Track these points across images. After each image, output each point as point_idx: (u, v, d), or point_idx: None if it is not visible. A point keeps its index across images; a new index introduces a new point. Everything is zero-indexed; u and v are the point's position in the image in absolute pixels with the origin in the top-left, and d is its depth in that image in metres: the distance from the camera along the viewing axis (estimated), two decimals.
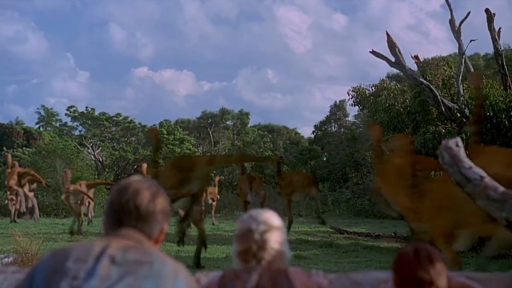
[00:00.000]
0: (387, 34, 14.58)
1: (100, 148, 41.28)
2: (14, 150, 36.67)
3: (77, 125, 45.89)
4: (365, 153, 29.82)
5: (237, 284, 2.60)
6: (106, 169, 38.62)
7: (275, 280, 2.57)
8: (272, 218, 2.72)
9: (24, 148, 37.63)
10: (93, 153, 40.37)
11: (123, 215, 2.11)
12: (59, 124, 47.22)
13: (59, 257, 2.00)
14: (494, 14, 14.81)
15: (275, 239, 2.66)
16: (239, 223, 2.74)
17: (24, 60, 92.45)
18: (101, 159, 40.34)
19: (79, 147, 38.57)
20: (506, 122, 13.85)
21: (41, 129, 45.65)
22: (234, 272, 2.68)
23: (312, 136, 47.13)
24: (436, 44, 77.45)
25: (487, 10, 14.63)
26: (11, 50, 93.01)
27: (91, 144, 41.46)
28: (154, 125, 40.60)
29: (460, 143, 4.35)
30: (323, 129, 46.02)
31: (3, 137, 40.44)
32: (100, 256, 1.95)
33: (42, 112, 47.51)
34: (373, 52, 15.11)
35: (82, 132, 45.42)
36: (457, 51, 16.31)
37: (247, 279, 2.58)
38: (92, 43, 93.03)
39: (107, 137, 44.26)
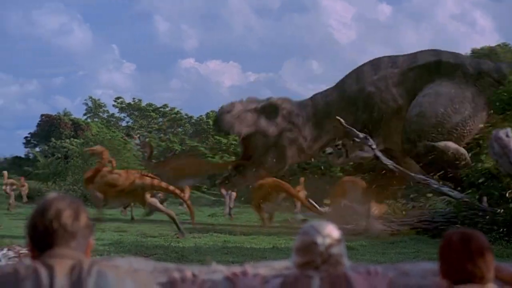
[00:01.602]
0: None
1: (147, 139, 40.77)
2: (62, 141, 36.49)
3: (124, 116, 45.67)
4: None
5: None
6: (154, 160, 37.99)
7: (335, 285, 2.53)
8: (335, 231, 2.67)
9: (72, 139, 37.39)
10: (139, 144, 39.82)
11: (50, 236, 2.04)
12: (107, 115, 47.10)
13: None
14: None
15: (340, 253, 2.62)
16: (301, 235, 2.66)
17: (70, 52, 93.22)
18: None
19: (126, 138, 38.14)
20: None
21: (88, 120, 45.47)
22: (294, 277, 2.59)
23: None
24: (483, 34, 75.41)
25: None
26: (57, 43, 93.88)
27: (138, 135, 40.98)
28: (201, 116, 39.86)
29: (511, 134, 3.66)
30: None
31: (51, 128, 40.30)
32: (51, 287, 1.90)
33: (90, 103, 47.43)
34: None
35: (129, 123, 45.16)
36: (505, 40, 15.44)
37: (308, 284, 2.53)
38: (136, 35, 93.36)
39: (154, 128, 43.85)
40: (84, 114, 47.11)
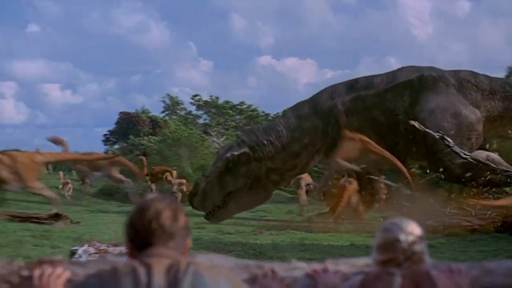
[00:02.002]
0: None
1: (225, 136, 40.63)
2: (140, 138, 36.74)
3: (201, 114, 45.73)
4: None
5: (379, 287, 2.49)
6: None
7: (418, 283, 2.48)
8: (417, 228, 2.64)
9: (150, 136, 37.59)
10: (217, 141, 39.65)
11: (149, 235, 2.11)
12: (184, 113, 47.29)
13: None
14: None
15: (422, 250, 2.59)
16: (383, 231, 2.63)
17: (148, 50, 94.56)
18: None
19: (203, 135, 38.09)
20: None
21: (166, 117, 45.73)
22: (376, 274, 2.56)
23: None
24: None
25: None
26: (135, 40, 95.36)
27: (215, 132, 40.89)
28: (278, 113, 39.40)
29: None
30: None
31: (129, 126, 40.67)
32: (149, 286, 1.96)
33: (167, 101, 47.71)
34: None
35: (207, 121, 45.25)
36: None
37: (390, 282, 2.49)
38: (213, 32, 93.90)
39: (231, 126, 43.76)
40: (162, 112, 47.57)
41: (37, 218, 13.26)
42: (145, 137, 37.31)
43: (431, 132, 14.69)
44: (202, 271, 2.03)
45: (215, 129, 42.38)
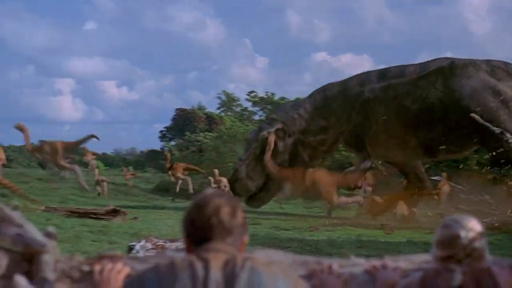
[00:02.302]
0: None
1: None
2: (196, 134, 36.93)
3: (257, 110, 45.69)
4: None
5: (439, 283, 2.49)
6: None
7: (479, 280, 2.45)
8: (477, 224, 2.63)
9: (206, 132, 37.75)
10: None
11: (208, 231, 2.12)
12: (240, 109, 47.27)
13: (165, 283, 1.99)
14: None
15: (482, 247, 2.59)
16: (443, 228, 2.62)
17: (204, 47, 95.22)
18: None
19: None
20: None
21: (222, 114, 45.86)
22: (435, 270, 2.54)
23: None
24: None
25: None
26: (191, 37, 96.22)
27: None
28: None
29: None
30: None
31: (185, 122, 40.95)
32: (206, 280, 1.96)
33: (223, 97, 47.79)
34: None
35: (262, 117, 45.13)
36: None
37: (450, 278, 2.48)
38: (269, 29, 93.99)
39: None
40: (218, 108, 47.65)
41: (95, 213, 13.41)
42: (201, 134, 37.49)
43: (490, 126, 14.48)
44: (259, 267, 2.02)
45: None
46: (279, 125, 16.53)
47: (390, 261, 2.70)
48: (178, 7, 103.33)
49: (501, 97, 15.33)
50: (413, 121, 15.95)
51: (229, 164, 24.80)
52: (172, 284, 1.97)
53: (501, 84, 15.53)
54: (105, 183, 22.35)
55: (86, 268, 2.37)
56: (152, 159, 44.57)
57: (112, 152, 51.69)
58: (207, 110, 46.27)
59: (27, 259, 2.25)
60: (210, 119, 42.33)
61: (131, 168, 32.91)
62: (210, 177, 20.80)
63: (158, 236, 8.88)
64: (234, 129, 32.24)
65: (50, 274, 2.21)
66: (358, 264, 2.62)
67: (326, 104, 16.97)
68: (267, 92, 43.99)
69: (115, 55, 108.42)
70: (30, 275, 2.23)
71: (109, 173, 30.62)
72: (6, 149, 45.30)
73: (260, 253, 2.57)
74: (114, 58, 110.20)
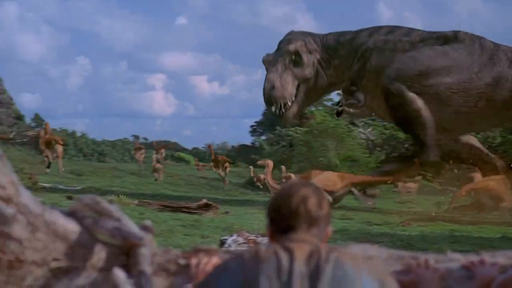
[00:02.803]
0: None
1: (371, 127, 40.03)
2: (287, 129, 36.93)
3: None
4: None
5: None
6: (377, 148, 37.23)
7: None
8: None
9: (296, 127, 37.67)
10: (364, 132, 39.17)
11: (294, 219, 2.12)
12: (331, 104, 46.99)
13: (249, 271, 1.98)
14: None
15: None
16: None
17: None
18: (372, 138, 39.00)
19: (350, 126, 37.68)
20: None
21: (313, 108, 45.71)
22: None
23: None
24: None
25: None
26: (281, 31, 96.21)
27: (362, 123, 40.36)
28: None
29: None
30: None
31: (276, 117, 40.98)
32: (290, 272, 1.94)
33: None
34: None
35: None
36: None
37: None
38: (360, 23, 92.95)
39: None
40: None
41: (188, 208, 13.58)
42: (292, 128, 37.43)
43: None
44: (344, 260, 2.00)
45: (362, 120, 41.84)
46: (299, 42, 17.34)
47: (488, 257, 2.62)
48: (269, 1, 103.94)
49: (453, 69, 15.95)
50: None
51: (320, 158, 24.70)
52: (256, 272, 1.97)
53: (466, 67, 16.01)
54: (160, 171, 23.48)
55: (182, 261, 2.39)
56: (243, 153, 44.88)
57: (203, 147, 52.28)
58: None
59: (125, 252, 2.28)
60: (301, 114, 42.22)
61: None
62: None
63: (249, 231, 8.94)
64: (325, 124, 32.03)
65: (147, 267, 2.23)
66: (455, 260, 2.57)
67: (336, 47, 17.56)
68: None
69: (206, 50, 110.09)
70: (127, 268, 2.25)
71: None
72: (100, 143, 46.78)
73: (355, 248, 2.55)
74: (205, 53, 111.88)
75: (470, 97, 15.98)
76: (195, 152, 50.35)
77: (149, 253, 2.28)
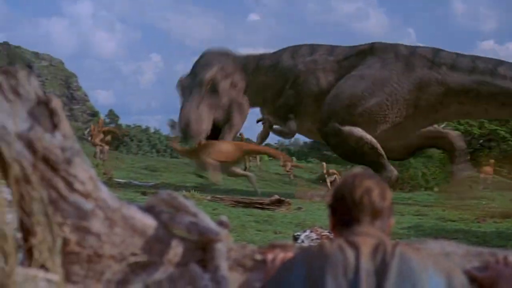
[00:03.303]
0: None
1: (445, 122, 39.22)
2: None
3: None
4: None
5: None
6: None
7: None
8: None
9: None
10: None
11: (358, 211, 2.10)
12: None
13: (315, 267, 1.97)
14: None
15: None
16: None
17: (367, 37, 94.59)
18: None
19: None
20: None
21: None
22: None
23: None
24: None
25: None
26: (353, 28, 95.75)
27: None
28: None
29: None
30: None
31: None
32: (357, 269, 1.91)
33: None
34: None
35: None
36: None
37: None
38: (433, 18, 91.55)
39: None
40: None
41: (260, 203, 13.61)
42: None
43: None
44: (409, 254, 1.97)
45: None
46: (218, 66, 16.86)
47: None
48: None
49: (373, 90, 15.85)
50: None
51: None
52: (321, 268, 1.96)
53: (386, 83, 15.89)
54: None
55: (258, 257, 2.38)
56: (315, 149, 44.75)
57: (275, 143, 52.30)
58: None
59: (201, 247, 2.29)
60: None
61: (294, 158, 33.21)
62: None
63: (322, 226, 8.91)
64: None
65: (223, 263, 2.24)
66: None
67: (257, 71, 17.51)
68: None
69: (277, 46, 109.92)
70: (203, 263, 2.26)
71: (272, 164, 31.08)
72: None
73: (432, 244, 2.50)
74: (277, 49, 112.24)
75: (401, 106, 15.94)
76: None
77: (225, 249, 2.28)
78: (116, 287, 2.18)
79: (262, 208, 13.29)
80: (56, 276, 1.98)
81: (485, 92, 15.61)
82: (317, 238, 8.19)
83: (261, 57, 18.15)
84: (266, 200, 13.82)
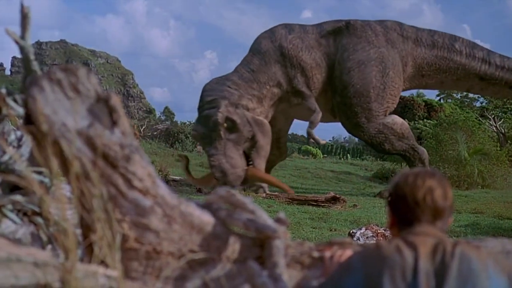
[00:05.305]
0: None
1: (502, 119, 38.55)
2: (416, 122, 36.33)
3: (478, 97, 43.94)
4: None
5: None
6: (508, 141, 35.82)
7: None
8: None
9: (425, 120, 36.97)
10: (494, 124, 37.79)
11: (420, 211, 2.06)
12: (460, 96, 45.80)
13: (372, 268, 1.94)
14: None
15: None
16: None
17: None
18: (503, 131, 37.55)
19: (480, 118, 36.47)
20: None
21: (441, 101, 44.67)
22: None
23: None
24: None
25: None
26: (408, 24, 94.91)
27: (493, 116, 38.97)
28: None
29: None
30: None
31: (404, 110, 40.36)
32: (415, 271, 1.89)
33: None
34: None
35: (484, 104, 43.36)
36: None
37: None
38: (489, 14, 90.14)
39: (510, 109, 41.42)
40: (437, 95, 46.57)
41: (315, 201, 13.59)
42: (420, 121, 36.78)
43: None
44: (470, 253, 1.93)
45: (493, 112, 40.41)
46: (223, 102, 15.32)
47: None
48: None
49: (381, 69, 15.75)
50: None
51: (449, 152, 24.09)
52: (379, 270, 1.93)
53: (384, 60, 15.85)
54: None
55: (316, 254, 2.37)
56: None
57: (330, 140, 52.19)
58: (426, 97, 45.28)
59: (259, 244, 2.28)
60: (429, 107, 41.31)
61: (348, 156, 33.04)
62: None
63: (378, 224, 8.82)
64: (454, 116, 31.19)
65: (281, 260, 2.22)
66: None
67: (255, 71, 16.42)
68: None
69: None
70: (261, 260, 2.26)
71: (327, 161, 31.00)
72: None
73: (493, 242, 2.47)
74: None
75: (400, 76, 16.16)
76: (322, 146, 50.30)
77: (283, 246, 2.26)
78: (174, 284, 2.18)
79: (317, 206, 13.27)
80: (115, 272, 1.99)
81: (445, 67, 16.30)
82: (372, 236, 8.12)
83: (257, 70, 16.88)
84: (321, 197, 13.78)
